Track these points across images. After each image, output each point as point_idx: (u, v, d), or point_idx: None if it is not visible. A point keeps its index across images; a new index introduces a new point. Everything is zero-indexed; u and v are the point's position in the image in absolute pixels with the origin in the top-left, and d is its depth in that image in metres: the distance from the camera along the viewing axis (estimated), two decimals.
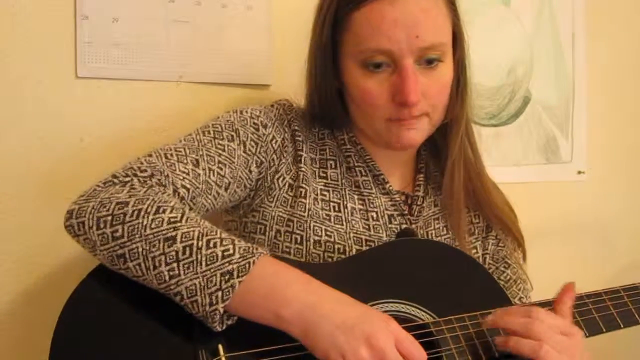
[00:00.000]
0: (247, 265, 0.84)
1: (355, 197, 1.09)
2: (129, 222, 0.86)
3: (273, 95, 1.29)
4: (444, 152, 1.13)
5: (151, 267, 0.84)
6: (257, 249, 0.87)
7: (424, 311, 0.97)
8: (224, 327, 0.86)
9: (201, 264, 0.84)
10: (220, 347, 0.86)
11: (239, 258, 0.85)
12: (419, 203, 1.13)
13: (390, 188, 1.11)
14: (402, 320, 0.95)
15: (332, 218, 1.06)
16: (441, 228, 1.14)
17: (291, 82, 1.30)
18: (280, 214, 1.04)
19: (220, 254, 0.84)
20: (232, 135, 1.03)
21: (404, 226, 1.10)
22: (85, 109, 1.16)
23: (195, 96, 1.25)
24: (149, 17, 1.19)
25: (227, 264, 0.84)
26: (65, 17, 1.13)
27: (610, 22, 1.76)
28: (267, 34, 1.30)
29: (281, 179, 1.05)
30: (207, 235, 0.86)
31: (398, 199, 1.11)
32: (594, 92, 1.73)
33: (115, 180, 0.93)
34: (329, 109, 1.08)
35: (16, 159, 1.11)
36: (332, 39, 1.04)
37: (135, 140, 1.20)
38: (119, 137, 1.19)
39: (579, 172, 1.73)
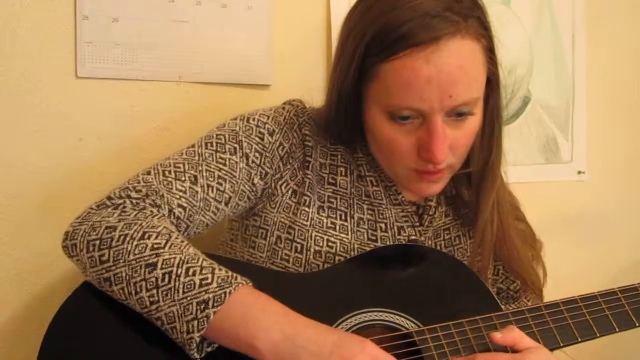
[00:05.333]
0: (223, 295, 0.83)
1: (365, 207, 1.06)
2: (115, 247, 0.87)
3: (273, 95, 1.30)
4: (474, 199, 1.08)
5: (133, 292, 0.85)
6: (236, 278, 0.86)
7: (409, 320, 0.95)
8: (202, 355, 0.85)
9: (178, 292, 0.84)
10: None
11: (216, 287, 0.84)
12: (430, 213, 1.09)
13: (403, 199, 1.07)
14: (386, 329, 0.94)
15: (338, 227, 1.04)
16: (453, 238, 1.12)
17: (291, 82, 1.30)
18: (282, 219, 1.03)
19: (198, 282, 0.84)
20: (235, 148, 1.01)
21: (412, 238, 1.07)
22: (85, 109, 1.16)
23: (195, 96, 1.25)
24: (149, 17, 1.19)
25: (203, 293, 0.83)
26: (65, 17, 1.13)
27: (610, 22, 1.76)
28: (267, 34, 1.30)
29: (284, 184, 1.04)
30: (187, 263, 0.85)
31: (409, 209, 1.08)
32: (594, 92, 1.73)
33: (108, 203, 0.93)
34: (346, 134, 1.05)
35: (16, 159, 1.11)
36: (357, 81, 0.97)
37: (135, 140, 1.20)
38: (118, 137, 1.19)
39: (579, 172, 1.73)
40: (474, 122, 0.98)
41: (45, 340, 0.86)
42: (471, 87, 0.94)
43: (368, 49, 0.93)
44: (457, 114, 0.95)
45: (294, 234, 1.02)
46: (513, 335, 0.93)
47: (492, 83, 0.99)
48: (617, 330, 1.00)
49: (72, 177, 1.15)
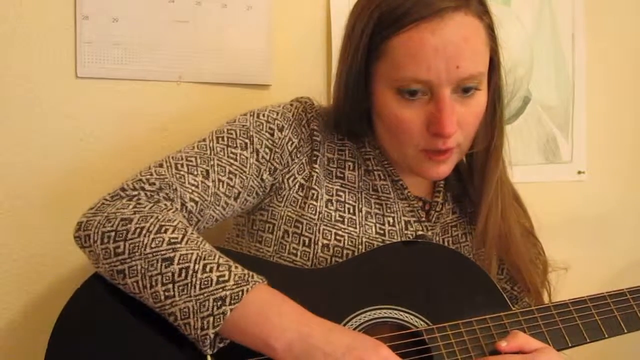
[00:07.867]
0: (240, 292, 0.84)
1: (372, 201, 1.07)
2: (131, 239, 0.87)
3: (273, 95, 1.30)
4: (477, 182, 1.09)
5: (148, 286, 0.85)
6: (253, 276, 0.86)
7: (418, 317, 0.95)
8: (214, 351, 0.85)
9: (195, 288, 0.84)
10: (209, 358, 0.86)
11: (233, 285, 0.84)
12: (437, 209, 1.10)
13: (409, 194, 1.08)
14: (396, 327, 0.95)
15: (346, 220, 1.05)
16: (460, 235, 1.12)
17: (291, 82, 1.30)
18: (289, 214, 1.03)
19: (215, 279, 0.84)
20: (246, 143, 1.02)
21: (419, 232, 1.08)
22: (85, 109, 1.16)
23: (195, 96, 1.25)
24: (149, 17, 1.19)
25: (220, 290, 0.84)
26: (65, 17, 1.13)
27: (610, 22, 1.76)
28: (267, 34, 1.30)
29: (292, 178, 1.04)
30: (204, 259, 0.86)
31: (416, 205, 1.09)
32: (594, 92, 1.73)
33: (123, 194, 0.93)
34: (355, 127, 1.06)
35: (16, 159, 1.11)
36: (365, 63, 0.99)
37: (135, 140, 1.20)
38: (118, 137, 1.19)
39: (579, 172, 1.73)
40: (480, 100, 1.00)
41: (53, 336, 0.86)
42: (477, 60, 0.97)
43: (376, 28, 0.97)
44: (464, 90, 0.97)
45: (302, 227, 1.03)
46: (518, 340, 0.94)
47: (495, 62, 1.02)
48: (625, 331, 1.00)
49: (73, 177, 1.15)
